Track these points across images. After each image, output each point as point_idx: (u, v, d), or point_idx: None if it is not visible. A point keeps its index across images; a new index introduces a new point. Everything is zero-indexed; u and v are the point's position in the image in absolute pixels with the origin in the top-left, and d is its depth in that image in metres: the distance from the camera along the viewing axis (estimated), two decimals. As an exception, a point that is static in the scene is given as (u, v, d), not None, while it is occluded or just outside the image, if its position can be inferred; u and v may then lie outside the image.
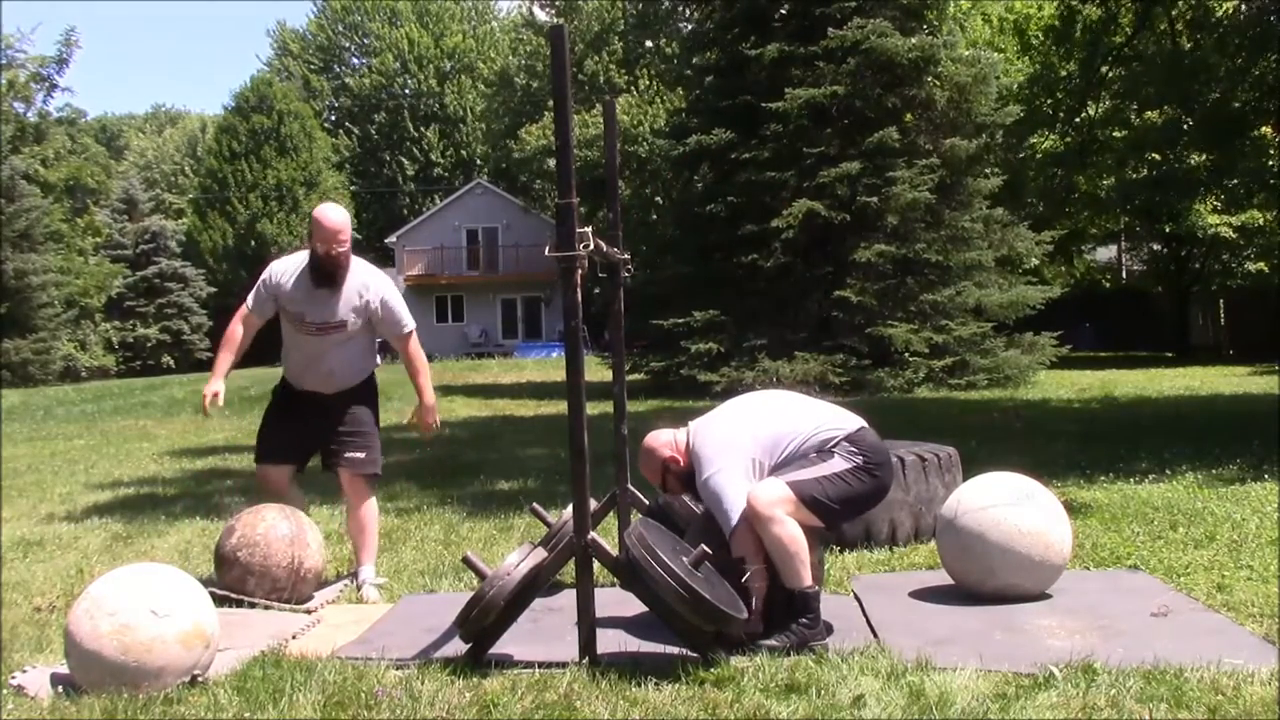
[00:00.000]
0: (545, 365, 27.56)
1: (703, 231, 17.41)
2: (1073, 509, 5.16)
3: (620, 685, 3.08)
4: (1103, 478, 6.64)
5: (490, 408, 15.52)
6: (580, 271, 3.27)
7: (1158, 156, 20.85)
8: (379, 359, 4.86)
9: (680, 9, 27.13)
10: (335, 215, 4.45)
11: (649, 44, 35.71)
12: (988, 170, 17.88)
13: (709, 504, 3.66)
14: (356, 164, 48.51)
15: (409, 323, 4.62)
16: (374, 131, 48.65)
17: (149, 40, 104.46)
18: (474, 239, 40.23)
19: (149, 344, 38.74)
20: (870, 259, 15.73)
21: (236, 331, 4.60)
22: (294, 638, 3.79)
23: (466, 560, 3.59)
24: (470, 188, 41.71)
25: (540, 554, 3.44)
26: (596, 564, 3.38)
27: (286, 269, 4.56)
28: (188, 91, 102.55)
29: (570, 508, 3.46)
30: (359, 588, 4.52)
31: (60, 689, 3.24)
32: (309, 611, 4.20)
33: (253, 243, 40.44)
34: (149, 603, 3.19)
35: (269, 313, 4.60)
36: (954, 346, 15.94)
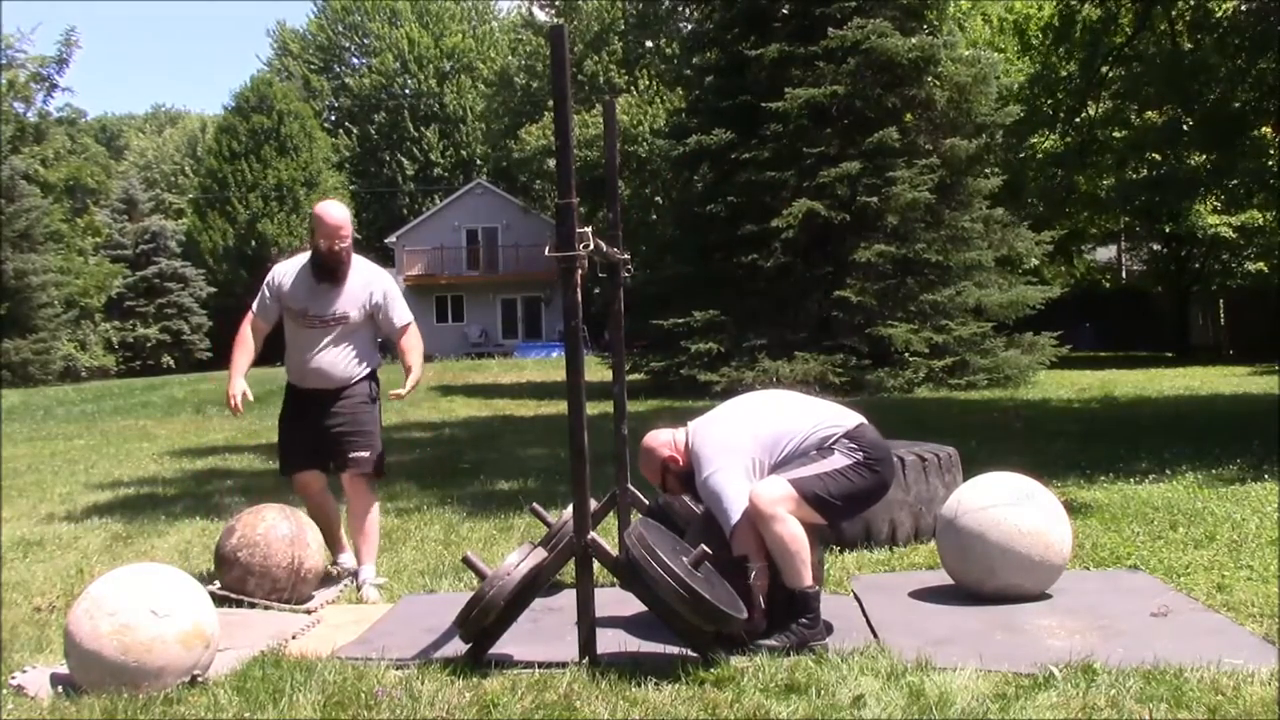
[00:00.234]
0: (545, 365, 27.55)
1: (703, 231, 17.41)
2: (1073, 509, 5.15)
3: (620, 685, 3.08)
4: (1103, 478, 6.63)
5: (490, 408, 15.53)
6: (580, 271, 3.27)
7: (1158, 157, 20.85)
8: (380, 358, 4.87)
9: (680, 9, 27.13)
10: (336, 212, 4.56)
11: (649, 44, 35.71)
12: (988, 170, 17.87)
13: (709, 503, 3.66)
14: (356, 164, 48.51)
15: (408, 315, 4.72)
16: (374, 131, 48.64)
17: (149, 40, 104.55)
18: (474, 239, 40.22)
19: (149, 344, 38.74)
20: (870, 259, 15.73)
21: (245, 335, 4.70)
22: (294, 638, 3.79)
23: (466, 560, 3.59)
24: (470, 188, 41.71)
25: (540, 554, 3.44)
26: (596, 564, 3.38)
27: (288, 270, 4.67)
28: (188, 91, 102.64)
29: (570, 508, 3.46)
30: (359, 588, 4.53)
31: (60, 689, 3.24)
32: (309, 611, 4.20)
33: (253, 243, 40.45)
34: (149, 603, 3.19)
35: (274, 316, 4.69)
36: (954, 346, 15.94)
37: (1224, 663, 3.08)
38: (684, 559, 3.34)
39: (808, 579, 3.49)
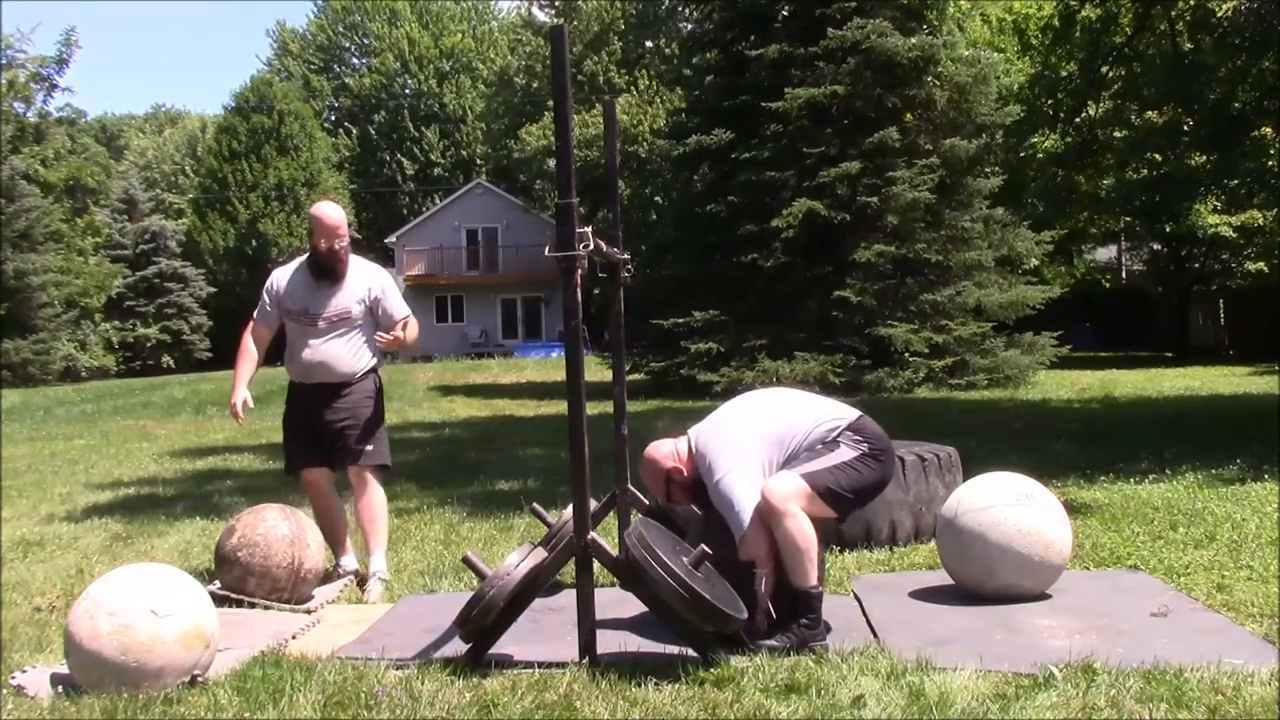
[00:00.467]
0: (545, 365, 27.55)
1: (703, 231, 17.41)
2: (1073, 509, 5.15)
3: (620, 685, 3.08)
4: (1103, 478, 6.63)
5: (490, 408, 15.53)
6: (580, 271, 3.27)
7: (1159, 157, 20.85)
8: (381, 356, 4.90)
9: (680, 9, 27.13)
10: (334, 212, 4.65)
11: (649, 44, 35.71)
12: (988, 170, 17.87)
13: (720, 507, 3.63)
14: (356, 164, 48.51)
15: (406, 309, 4.81)
16: (374, 131, 48.65)
17: (149, 40, 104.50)
18: (474, 239, 40.22)
19: (149, 344, 38.76)
20: (870, 259, 15.73)
21: (248, 344, 4.79)
22: (294, 638, 3.80)
23: (466, 560, 3.59)
24: (470, 188, 41.71)
25: (540, 554, 3.44)
26: (596, 564, 3.38)
27: (285, 274, 4.76)
28: (188, 91, 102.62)
29: (570, 508, 3.46)
30: (369, 578, 4.60)
31: (60, 689, 3.24)
32: (309, 611, 4.20)
33: (253, 242, 40.47)
34: (149, 603, 3.19)
35: (275, 322, 4.76)
36: (954, 346, 15.93)
37: (1224, 663, 3.08)
38: (684, 559, 3.34)
39: (814, 578, 3.49)
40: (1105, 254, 33.39)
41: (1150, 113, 19.60)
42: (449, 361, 31.63)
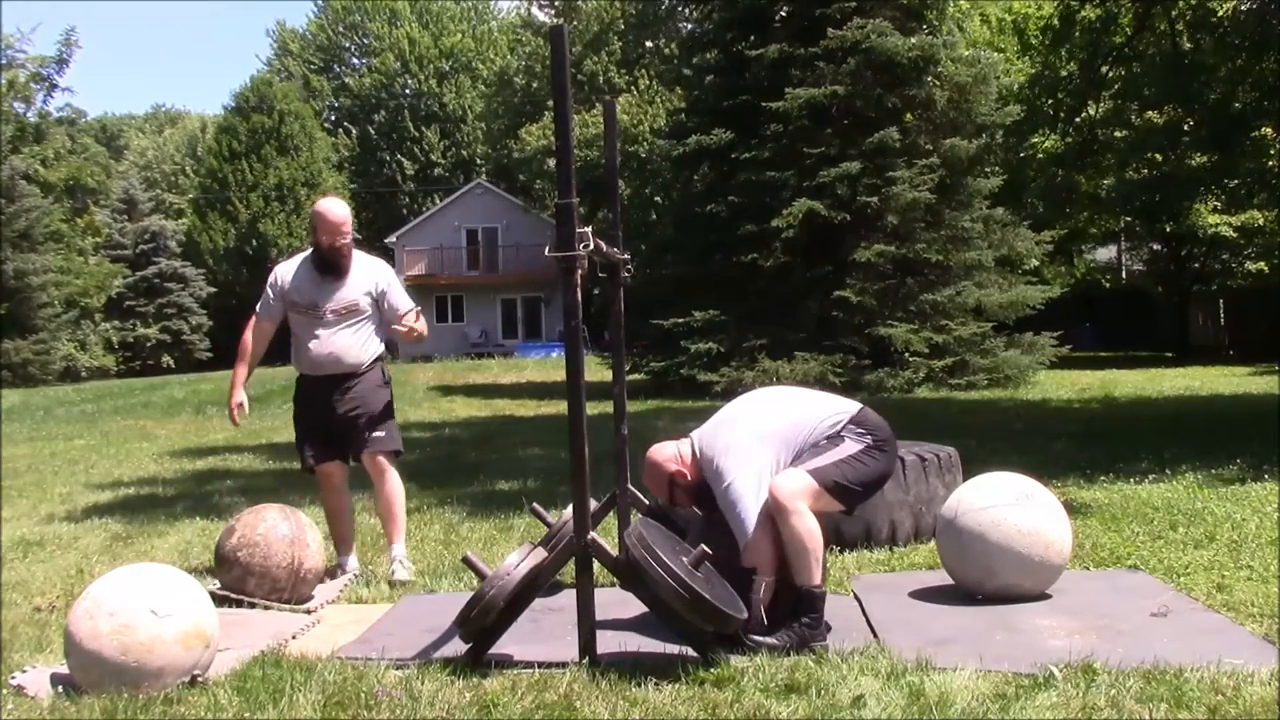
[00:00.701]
0: (545, 365, 27.55)
1: (703, 231, 17.41)
2: (1073, 509, 5.15)
3: (620, 685, 3.08)
4: (1103, 478, 6.63)
5: (490, 408, 15.53)
6: (580, 271, 3.27)
7: (1159, 157, 20.86)
8: (386, 350, 4.97)
9: (680, 9, 27.11)
10: (337, 209, 4.70)
11: (649, 44, 35.70)
12: (988, 170, 17.87)
13: (726, 511, 3.62)
14: (356, 164, 48.51)
15: (410, 302, 4.88)
16: (374, 131, 48.65)
17: (149, 40, 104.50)
18: (474, 239, 40.22)
19: (149, 344, 38.77)
20: (870, 259, 15.73)
21: (247, 340, 4.82)
22: (294, 638, 3.79)
23: (466, 560, 3.59)
24: (470, 188, 41.71)
25: (540, 554, 3.44)
26: (596, 564, 3.38)
27: (290, 268, 4.80)
28: (188, 91, 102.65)
29: (570, 508, 3.46)
30: (391, 563, 4.68)
31: (60, 689, 3.23)
32: (309, 611, 4.20)
33: (253, 242, 40.48)
34: (149, 603, 3.18)
35: (278, 316, 4.80)
36: (954, 346, 15.93)
37: (1224, 663, 3.08)
38: (684, 559, 3.34)
39: (818, 577, 3.49)
40: (1105, 254, 33.39)
41: (1150, 113, 19.60)
42: (449, 361, 31.62)
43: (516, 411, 14.71)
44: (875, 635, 3.58)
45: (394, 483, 4.77)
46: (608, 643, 3.36)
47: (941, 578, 4.24)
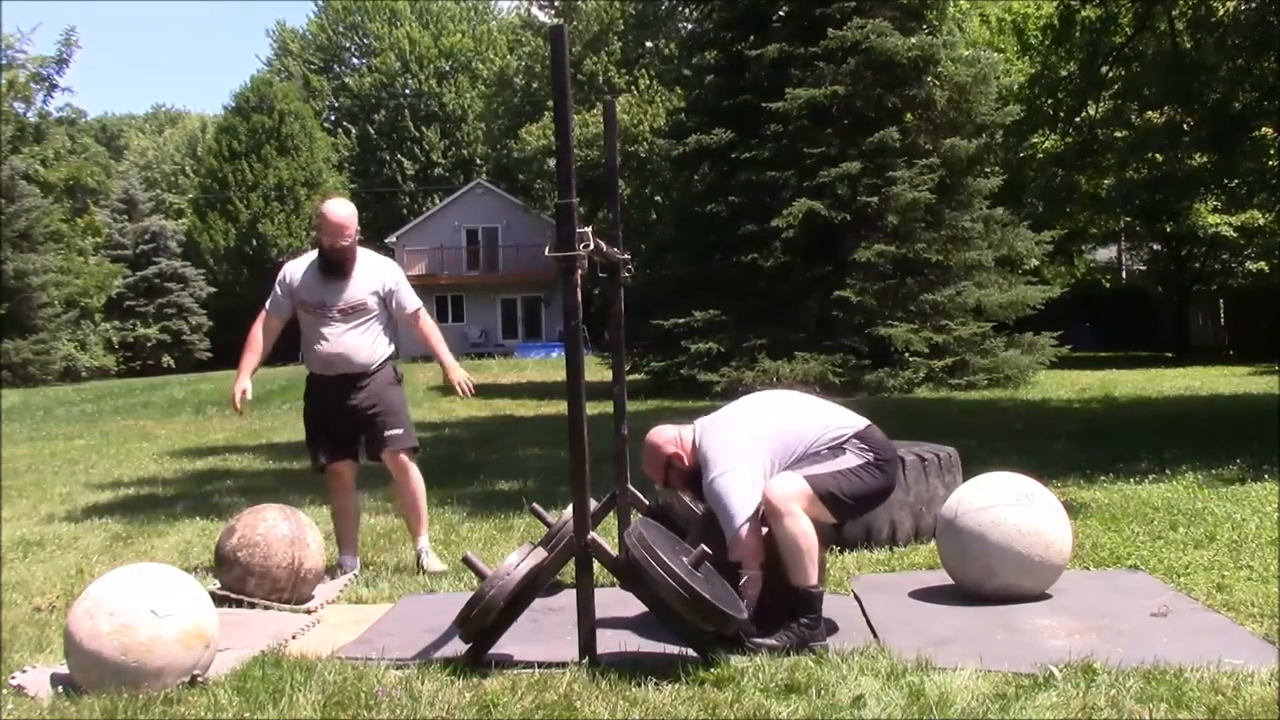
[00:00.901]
0: (545, 365, 27.55)
1: (703, 231, 17.41)
2: (1073, 509, 5.15)
3: (620, 685, 3.08)
4: (1103, 478, 6.63)
5: (490, 408, 15.52)
6: (580, 271, 3.27)
7: (1159, 157, 20.84)
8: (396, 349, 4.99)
9: (680, 9, 27.12)
10: (340, 210, 4.72)
11: (648, 44, 35.69)
12: (988, 170, 17.86)
13: (713, 505, 3.65)
14: (356, 164, 48.50)
15: (417, 301, 4.93)
16: (374, 131, 48.65)
17: (149, 40, 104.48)
18: (474, 239, 40.22)
19: (149, 344, 38.77)
20: (870, 259, 15.73)
21: (256, 334, 4.85)
22: (294, 638, 3.79)
23: (466, 560, 3.59)
24: (470, 188, 41.70)
25: (540, 554, 3.44)
26: (596, 564, 3.38)
27: (299, 267, 4.84)
28: (188, 91, 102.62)
29: (570, 508, 3.46)
30: (419, 557, 4.76)
31: (60, 689, 3.23)
32: (309, 611, 4.20)
33: (253, 242, 40.47)
34: (149, 603, 3.18)
35: (287, 313, 4.84)
36: (954, 346, 15.93)
37: (1224, 663, 3.08)
38: (684, 559, 3.34)
39: (814, 578, 3.49)
40: (1105, 254, 33.38)
41: (1150, 113, 19.57)
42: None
43: (516, 411, 14.71)
44: (875, 635, 3.58)
45: (417, 479, 4.86)
46: (608, 643, 3.36)
47: (941, 578, 4.24)
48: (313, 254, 4.84)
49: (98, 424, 15.28)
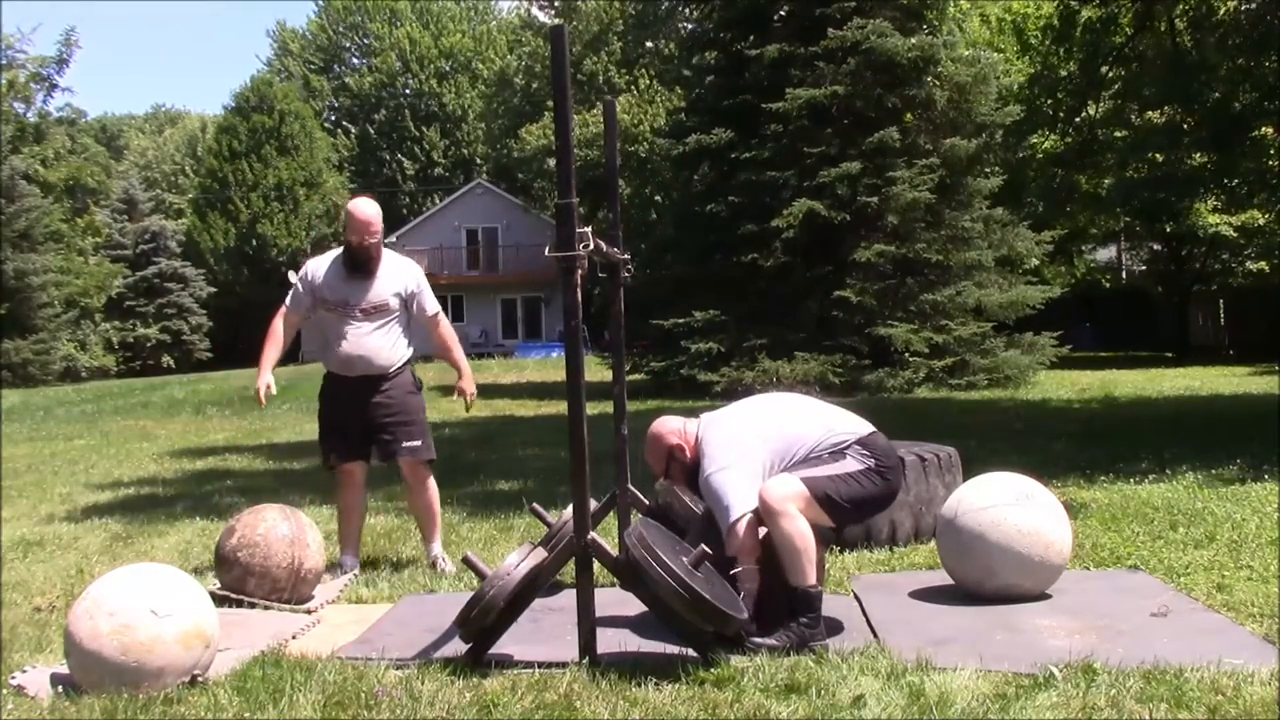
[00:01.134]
0: (545, 365, 27.55)
1: (703, 231, 17.41)
2: (1073, 509, 5.15)
3: (620, 685, 3.08)
4: (1103, 478, 6.63)
5: (490, 408, 15.51)
6: (580, 271, 3.27)
7: (1159, 157, 20.83)
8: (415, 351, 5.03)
9: (680, 9, 27.10)
10: (367, 208, 4.77)
11: (648, 44, 35.68)
12: (988, 170, 17.86)
13: (709, 500, 3.66)
14: (356, 164, 48.51)
15: (437, 304, 5.00)
16: (374, 131, 48.64)
17: (149, 40, 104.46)
18: (474, 239, 40.22)
19: (149, 344, 38.76)
20: (870, 259, 15.73)
21: (278, 327, 4.88)
22: (294, 638, 3.79)
23: (466, 560, 3.59)
24: (470, 188, 41.70)
25: (540, 554, 3.44)
26: (596, 564, 3.38)
27: (322, 265, 4.87)
28: (188, 91, 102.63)
29: (570, 508, 3.46)
30: (433, 563, 4.81)
31: (60, 689, 3.23)
32: (309, 611, 4.20)
33: (253, 242, 40.46)
34: (149, 603, 3.19)
35: (307, 309, 4.87)
36: (954, 346, 15.93)
37: (1224, 663, 3.08)
38: (684, 559, 3.34)
39: (812, 577, 3.49)
40: (1105, 254, 33.37)
41: (1150, 113, 19.57)
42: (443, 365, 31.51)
43: (516, 411, 14.71)
44: (875, 635, 3.58)
45: (433, 490, 4.94)
46: (608, 643, 3.36)
47: (941, 578, 4.24)
48: (335, 252, 4.87)
49: (98, 424, 15.28)
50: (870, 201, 15.65)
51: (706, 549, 3.38)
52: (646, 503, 4.29)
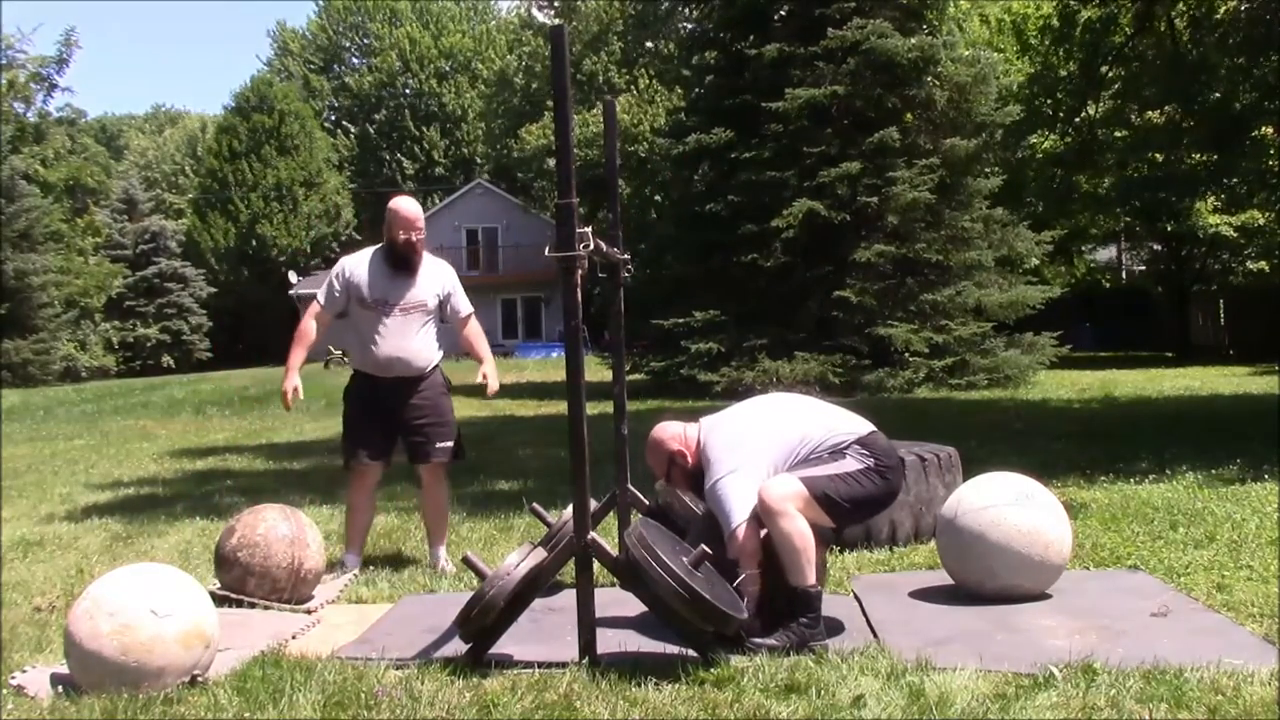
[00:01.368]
0: (545, 365, 27.53)
1: (703, 231, 17.39)
2: (1073, 509, 5.15)
3: (620, 685, 3.08)
4: (1103, 478, 6.63)
5: (490, 408, 15.48)
6: (580, 271, 3.27)
7: (1159, 157, 20.84)
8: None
9: (680, 9, 27.09)
10: (412, 206, 4.80)
11: (648, 44, 35.68)
12: (988, 170, 17.85)
13: (713, 505, 3.65)
14: (356, 164, 48.50)
15: (470, 305, 5.04)
16: (374, 131, 48.64)
17: (149, 40, 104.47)
18: (474, 239, 40.20)
19: (149, 344, 38.75)
20: (870, 259, 15.73)
21: (310, 327, 4.82)
22: (294, 638, 3.80)
23: (466, 560, 3.60)
24: (470, 188, 41.68)
25: (540, 554, 3.44)
26: (596, 564, 3.38)
27: (361, 262, 4.83)
28: (188, 91, 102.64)
29: (570, 508, 3.46)
30: (436, 564, 4.81)
31: (60, 689, 3.24)
32: (309, 611, 4.20)
33: (253, 242, 40.45)
34: (149, 603, 3.19)
35: (341, 308, 4.83)
36: (954, 346, 15.93)
37: (1224, 663, 3.08)
38: (684, 559, 3.34)
39: (811, 577, 3.49)
40: (1105, 254, 33.38)
41: (1150, 113, 19.58)
42: (449, 361, 31.44)
43: (516, 411, 14.70)
44: (875, 635, 3.58)
45: (447, 491, 5.00)
46: (608, 643, 3.36)
47: (941, 578, 4.24)
48: (370, 250, 4.83)
49: (98, 424, 15.28)
50: (870, 201, 15.65)
51: (706, 549, 3.38)
52: (646, 503, 4.29)
